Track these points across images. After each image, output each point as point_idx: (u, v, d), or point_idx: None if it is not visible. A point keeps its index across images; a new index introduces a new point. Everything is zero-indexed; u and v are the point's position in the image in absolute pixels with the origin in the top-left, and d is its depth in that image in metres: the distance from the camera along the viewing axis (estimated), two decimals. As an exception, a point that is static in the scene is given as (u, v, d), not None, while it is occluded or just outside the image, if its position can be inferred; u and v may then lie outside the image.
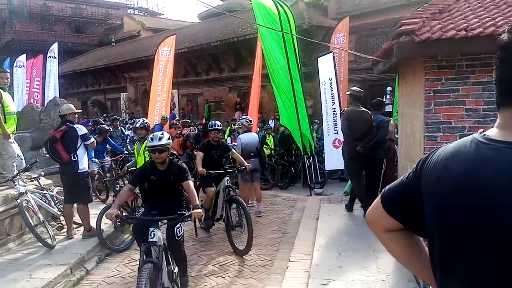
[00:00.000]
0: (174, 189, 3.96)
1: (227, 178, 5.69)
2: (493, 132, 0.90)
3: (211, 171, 5.62)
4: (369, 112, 6.35)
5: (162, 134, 3.89)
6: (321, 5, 16.78)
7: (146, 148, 5.77)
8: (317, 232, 5.62)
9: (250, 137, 7.16)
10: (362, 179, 6.34)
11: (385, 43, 5.25)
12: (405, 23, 4.19)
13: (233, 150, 6.18)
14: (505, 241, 0.80)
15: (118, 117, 14.14)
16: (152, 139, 3.84)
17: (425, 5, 4.98)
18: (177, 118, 16.88)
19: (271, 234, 5.93)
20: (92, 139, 5.77)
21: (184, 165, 4.05)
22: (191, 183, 3.89)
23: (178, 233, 3.75)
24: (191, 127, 11.89)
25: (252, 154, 6.78)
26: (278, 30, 8.24)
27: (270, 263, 4.92)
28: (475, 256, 0.86)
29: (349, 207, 6.46)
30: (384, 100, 9.72)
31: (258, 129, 10.93)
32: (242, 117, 8.23)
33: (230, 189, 5.62)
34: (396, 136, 6.87)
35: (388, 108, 11.12)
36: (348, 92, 6.68)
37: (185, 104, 21.53)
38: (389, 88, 13.33)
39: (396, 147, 6.91)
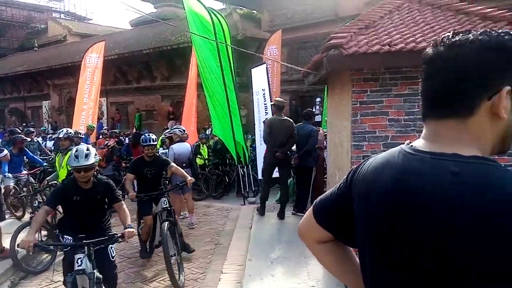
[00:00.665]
0: (100, 209, 3.62)
1: (164, 199, 4.99)
2: (419, 143, 0.91)
3: (141, 195, 5.00)
4: (291, 120, 6.73)
5: (88, 150, 3.41)
6: (255, 17, 17.09)
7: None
8: (250, 242, 5.60)
9: (183, 147, 7.00)
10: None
11: (315, 56, 5.42)
12: (334, 37, 4.35)
13: (172, 163, 5.41)
14: (432, 252, 0.79)
15: (33, 130, 12.97)
16: (76, 156, 3.32)
17: (353, 20, 5.23)
18: (105, 127, 16.12)
19: (203, 246, 5.78)
20: (5, 152, 5.27)
21: (111, 182, 3.71)
22: (122, 203, 3.61)
23: (112, 253, 3.46)
24: (119, 137, 11.38)
25: (184, 165, 6.60)
26: (212, 40, 8.20)
27: (202, 276, 4.78)
28: (403, 267, 0.85)
29: (281, 215, 6.55)
30: (314, 110, 10.05)
31: (198, 138, 10.74)
32: (175, 127, 8.03)
33: (167, 212, 4.94)
34: (325, 145, 7.11)
35: (318, 118, 11.52)
36: (272, 103, 7.16)
37: (114, 113, 20.66)
38: (318, 99, 13.83)
39: (325, 155, 7.15)
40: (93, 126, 10.76)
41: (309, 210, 1.15)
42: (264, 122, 7.27)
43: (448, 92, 0.86)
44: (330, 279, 4.10)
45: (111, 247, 3.45)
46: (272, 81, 11.25)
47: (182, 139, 7.20)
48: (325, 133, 7.22)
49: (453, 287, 0.77)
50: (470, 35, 0.85)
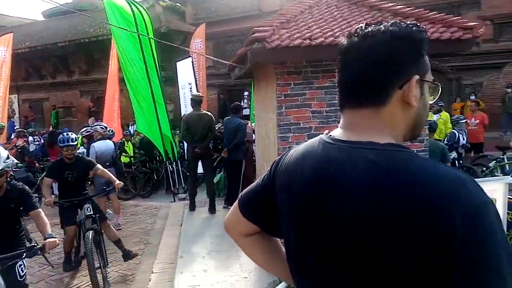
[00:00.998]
0: (13, 220, 3.21)
1: (87, 205, 4.49)
2: (337, 133, 0.92)
3: (62, 201, 4.54)
4: (209, 114, 6.74)
5: None
6: (179, 9, 16.72)
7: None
8: (181, 238, 5.50)
9: (105, 145, 6.66)
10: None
11: (240, 49, 5.44)
12: (257, 31, 4.38)
13: (97, 165, 4.92)
14: (350, 241, 0.80)
15: None
16: None
17: (275, 15, 5.32)
18: (17, 126, 14.85)
19: (132, 247, 5.53)
20: None
21: (27, 188, 3.32)
22: (40, 211, 3.19)
23: (20, 272, 3.04)
24: (34, 137, 10.54)
25: (107, 164, 6.28)
26: (133, 32, 7.85)
27: (131, 277, 4.60)
28: (322, 256, 0.86)
29: (212, 209, 6.54)
30: (242, 104, 10.14)
31: (122, 135, 10.24)
32: (96, 124, 7.61)
33: (92, 219, 4.43)
34: (254, 138, 7.20)
35: (246, 112, 11.64)
36: (190, 97, 7.18)
37: (27, 111, 19.08)
38: (246, 93, 13.97)
39: (254, 148, 7.25)
40: (2, 125, 9.82)
41: (235, 204, 1.13)
42: (181, 118, 7.23)
43: (361, 82, 0.88)
44: (262, 270, 4.15)
45: (20, 265, 3.05)
46: (198, 75, 11.12)
47: (104, 137, 6.84)
48: (254, 127, 7.31)
49: (372, 276, 0.77)
50: (382, 26, 0.88)
